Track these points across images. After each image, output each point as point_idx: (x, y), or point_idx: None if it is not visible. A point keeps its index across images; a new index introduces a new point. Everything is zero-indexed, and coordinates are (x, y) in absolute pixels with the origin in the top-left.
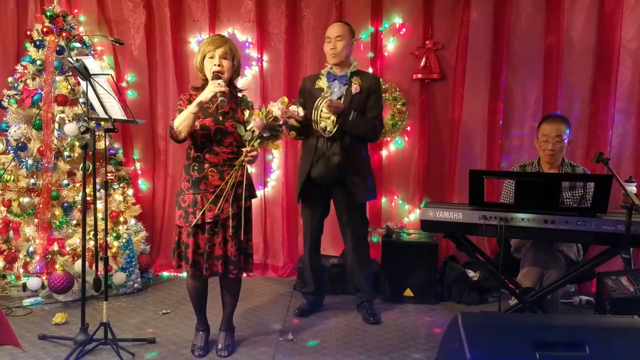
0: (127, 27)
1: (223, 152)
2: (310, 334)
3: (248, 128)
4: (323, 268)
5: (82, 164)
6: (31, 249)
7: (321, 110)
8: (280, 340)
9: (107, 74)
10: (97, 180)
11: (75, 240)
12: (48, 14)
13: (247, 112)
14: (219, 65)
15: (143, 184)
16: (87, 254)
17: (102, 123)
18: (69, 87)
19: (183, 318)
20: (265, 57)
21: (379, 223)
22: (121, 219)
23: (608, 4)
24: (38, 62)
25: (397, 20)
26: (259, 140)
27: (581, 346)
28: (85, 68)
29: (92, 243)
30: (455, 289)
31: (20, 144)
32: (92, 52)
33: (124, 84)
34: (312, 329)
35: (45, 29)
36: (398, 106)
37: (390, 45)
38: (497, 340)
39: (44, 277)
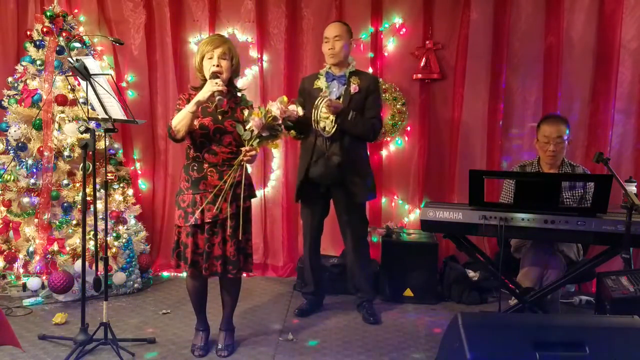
0: (127, 27)
1: (222, 151)
2: (310, 334)
3: (247, 127)
4: (323, 268)
5: (82, 164)
6: (31, 249)
7: (320, 110)
8: (280, 340)
9: (107, 74)
10: (97, 180)
11: (75, 240)
12: (48, 14)
13: (246, 112)
14: (217, 66)
15: (143, 184)
16: (87, 254)
17: (102, 123)
18: (69, 87)
19: (183, 318)
20: (265, 57)
21: (379, 223)
22: (121, 219)
23: (608, 4)
24: (38, 62)
25: (397, 20)
26: (258, 140)
27: (581, 346)
28: (85, 68)
29: (92, 243)
30: (455, 289)
31: (20, 144)
32: (92, 52)
33: (124, 84)
34: (312, 329)
35: (45, 29)
36: (398, 106)
37: (390, 45)
38: (497, 340)
39: (44, 277)
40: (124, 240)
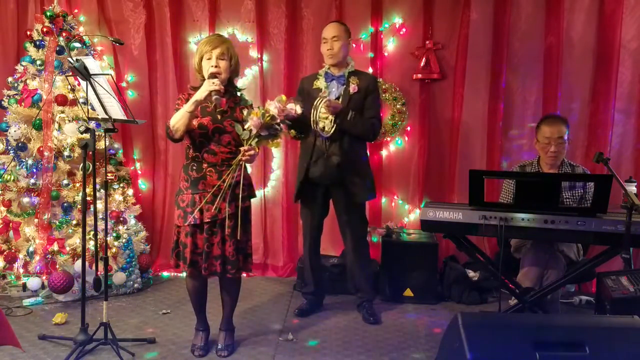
0: (127, 27)
1: (221, 151)
2: (310, 334)
3: (246, 127)
4: (323, 268)
5: (82, 164)
6: (31, 249)
7: (319, 111)
8: (280, 340)
9: (107, 74)
10: (97, 180)
11: (75, 240)
12: (48, 14)
13: (245, 111)
14: (215, 67)
15: (143, 184)
16: (87, 254)
17: (102, 123)
18: (69, 87)
19: (183, 318)
20: (265, 57)
21: (379, 223)
22: (121, 219)
23: (608, 4)
24: (38, 62)
25: (397, 20)
26: (256, 140)
27: (581, 346)
28: (85, 68)
29: (92, 243)
30: (455, 289)
31: (20, 144)
32: (92, 52)
33: (124, 84)
34: (312, 329)
35: (45, 29)
36: (398, 106)
37: (390, 45)
38: (497, 340)
39: (44, 277)
40: (124, 240)
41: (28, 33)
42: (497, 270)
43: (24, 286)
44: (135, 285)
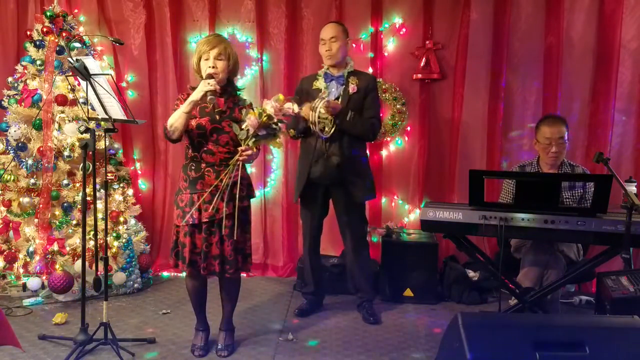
0: (127, 27)
1: (219, 151)
2: (310, 334)
3: (243, 127)
4: (323, 268)
5: (82, 164)
6: (31, 249)
7: (319, 111)
8: (280, 340)
9: (107, 74)
10: (97, 180)
11: (75, 240)
12: (48, 14)
13: (244, 111)
14: (213, 67)
15: (143, 184)
16: (87, 254)
17: (102, 123)
18: (69, 87)
19: (183, 318)
20: (265, 57)
21: (379, 223)
22: (121, 219)
23: (608, 4)
24: (38, 62)
25: (397, 20)
26: (254, 139)
27: (581, 346)
28: (85, 68)
29: (92, 243)
30: (455, 289)
31: (20, 144)
32: (92, 52)
33: (124, 84)
34: (312, 329)
35: (45, 29)
36: (398, 106)
37: (390, 45)
38: (497, 340)
39: (44, 277)
40: (124, 240)
41: (28, 33)
42: (497, 270)
43: (24, 286)
44: (135, 285)
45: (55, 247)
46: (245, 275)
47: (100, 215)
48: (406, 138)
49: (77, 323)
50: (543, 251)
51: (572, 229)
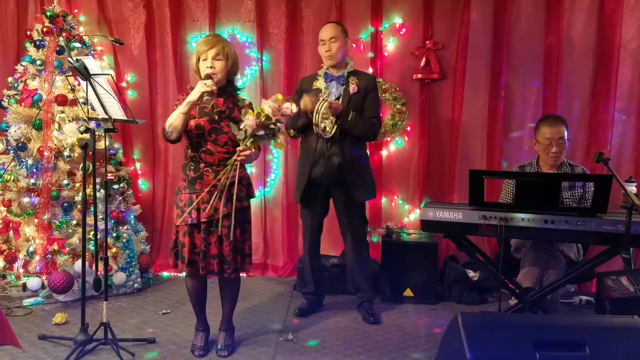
0: (127, 27)
1: (218, 151)
2: (310, 334)
3: (241, 127)
4: (323, 268)
5: (82, 164)
6: (31, 249)
7: (321, 112)
8: (280, 340)
9: (107, 74)
10: (97, 180)
11: (75, 240)
12: (48, 14)
13: (243, 111)
14: (211, 67)
15: (143, 184)
16: (87, 254)
17: (102, 123)
18: (69, 87)
19: (183, 318)
20: (265, 57)
21: (379, 223)
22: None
23: (608, 4)
24: (38, 62)
25: (397, 20)
26: (251, 139)
27: (581, 346)
28: (85, 68)
29: (92, 243)
30: (455, 289)
31: (20, 144)
32: (92, 52)
33: (124, 84)
34: (312, 329)
35: (45, 29)
36: (398, 106)
37: (390, 45)
38: (497, 340)
39: (44, 277)
40: (124, 240)
41: (28, 33)
42: (497, 270)
43: (24, 286)
44: (135, 285)
45: (55, 247)
46: (245, 275)
47: (100, 216)
48: (406, 138)
49: (77, 323)
50: (543, 251)
51: (572, 229)
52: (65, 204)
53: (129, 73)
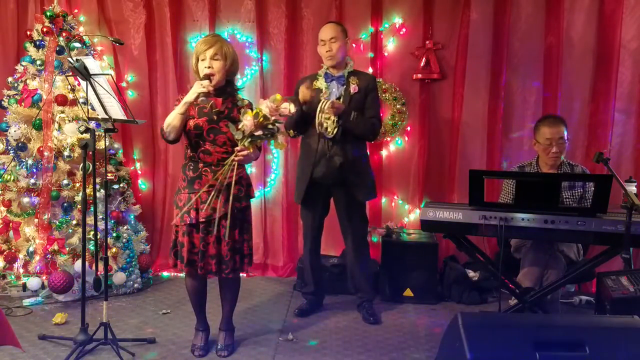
0: (127, 27)
1: (217, 151)
2: (310, 334)
3: (239, 127)
4: (323, 268)
5: (82, 164)
6: (31, 249)
7: (324, 112)
8: (280, 340)
9: (107, 74)
10: (97, 180)
11: (75, 240)
12: (48, 14)
13: (242, 111)
14: (209, 67)
15: (143, 184)
16: (87, 254)
17: (102, 123)
18: (69, 87)
19: (183, 318)
20: (265, 57)
21: (379, 223)
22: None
23: (608, 4)
24: (38, 62)
25: (397, 20)
26: (249, 139)
27: (581, 346)
28: (85, 68)
29: (92, 243)
30: (455, 289)
31: (20, 144)
32: (92, 52)
33: (124, 84)
34: (312, 329)
35: (45, 29)
36: (398, 106)
37: (390, 45)
38: (497, 340)
39: (44, 277)
40: (124, 240)
41: (28, 33)
42: (497, 270)
43: (24, 286)
44: (135, 285)
45: (55, 247)
46: (245, 275)
47: (100, 216)
48: (406, 138)
49: (77, 323)
50: (543, 251)
51: (572, 229)
52: (65, 204)
53: (129, 73)
